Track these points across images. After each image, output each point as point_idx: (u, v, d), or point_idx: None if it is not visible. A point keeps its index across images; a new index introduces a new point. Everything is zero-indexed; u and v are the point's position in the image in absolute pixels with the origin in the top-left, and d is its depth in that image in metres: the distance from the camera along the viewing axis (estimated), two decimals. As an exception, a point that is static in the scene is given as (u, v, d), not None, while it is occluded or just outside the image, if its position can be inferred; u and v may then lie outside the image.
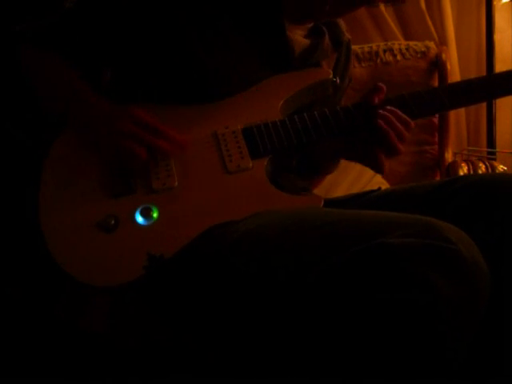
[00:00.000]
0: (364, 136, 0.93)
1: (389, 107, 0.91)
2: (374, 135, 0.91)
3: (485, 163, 1.81)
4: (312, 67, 1.03)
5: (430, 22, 2.13)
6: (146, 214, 0.85)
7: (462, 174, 1.72)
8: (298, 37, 1.03)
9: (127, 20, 0.97)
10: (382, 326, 0.59)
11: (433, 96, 0.94)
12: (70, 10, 1.03)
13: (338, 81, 1.05)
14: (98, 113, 0.91)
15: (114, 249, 0.83)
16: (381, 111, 0.91)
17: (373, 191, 1.04)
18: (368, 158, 0.94)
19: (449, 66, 1.86)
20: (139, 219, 0.85)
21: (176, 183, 0.88)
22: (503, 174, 1.19)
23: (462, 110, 2.21)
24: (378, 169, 0.94)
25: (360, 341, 0.60)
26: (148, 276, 0.80)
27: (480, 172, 1.73)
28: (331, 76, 1.01)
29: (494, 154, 2.04)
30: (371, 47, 1.92)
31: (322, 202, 0.86)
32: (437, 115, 1.86)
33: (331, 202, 1.02)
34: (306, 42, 1.04)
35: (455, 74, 2.10)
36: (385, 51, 1.90)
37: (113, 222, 0.84)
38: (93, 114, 0.92)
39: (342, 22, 1.12)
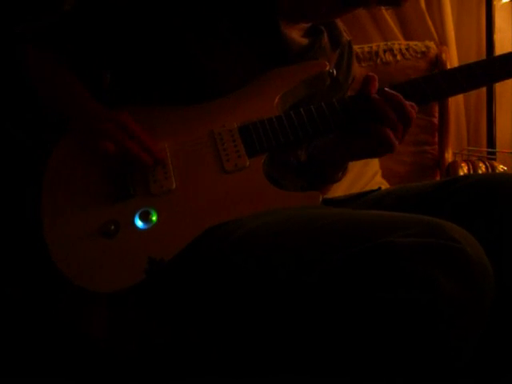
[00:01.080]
0: (362, 127, 0.92)
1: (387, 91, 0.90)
2: (372, 123, 0.90)
3: (485, 163, 1.81)
4: (308, 61, 1.01)
5: (430, 22, 2.13)
6: (145, 218, 0.85)
7: (461, 173, 1.72)
8: (296, 36, 1.03)
9: (126, 23, 0.98)
10: (385, 324, 0.59)
11: (431, 82, 0.92)
12: (69, 12, 1.03)
13: (335, 72, 1.03)
14: (91, 116, 0.92)
15: (114, 254, 0.83)
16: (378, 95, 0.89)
17: (373, 191, 1.04)
18: (373, 140, 0.90)
19: (449, 66, 1.86)
20: (138, 223, 0.84)
21: (174, 185, 0.88)
22: (503, 174, 1.19)
23: (462, 110, 2.21)
24: (388, 147, 0.89)
25: (362, 339, 0.60)
26: (149, 279, 0.80)
27: (480, 172, 1.73)
28: (328, 68, 0.99)
29: (494, 153, 2.04)
30: (371, 47, 1.92)
31: (320, 198, 0.85)
32: (436, 115, 1.86)
33: (331, 202, 1.02)
34: (304, 40, 1.04)
35: (455, 74, 2.10)
36: (385, 51, 1.90)
37: (113, 227, 0.84)
38: (87, 118, 0.93)
39: (340, 23, 1.11)
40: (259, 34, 0.99)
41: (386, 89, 0.90)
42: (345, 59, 1.14)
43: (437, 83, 0.92)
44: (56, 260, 0.83)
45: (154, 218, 0.85)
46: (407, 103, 0.89)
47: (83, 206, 0.88)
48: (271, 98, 0.95)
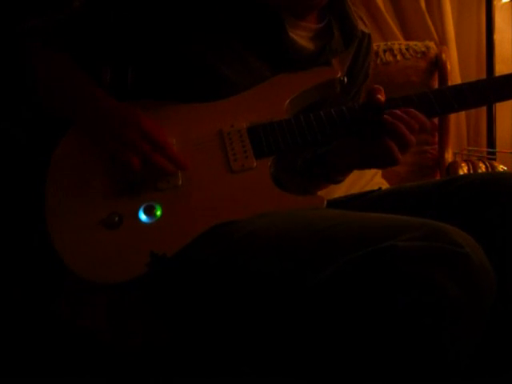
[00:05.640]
0: (370, 135, 0.92)
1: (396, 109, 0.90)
2: (381, 132, 0.90)
3: (485, 163, 1.81)
4: (319, 66, 1.02)
5: (430, 22, 2.12)
6: (149, 212, 0.85)
7: (461, 173, 1.72)
8: (304, 41, 1.02)
9: (134, 22, 0.98)
10: (388, 327, 0.59)
11: (440, 97, 0.92)
12: (80, 9, 1.02)
13: (346, 80, 1.03)
14: (106, 113, 0.92)
15: (116, 246, 0.83)
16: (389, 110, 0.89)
17: (373, 191, 1.04)
18: (379, 151, 0.91)
19: (449, 66, 1.86)
20: (143, 217, 0.85)
21: (180, 182, 0.88)
22: (504, 173, 1.19)
23: (462, 110, 2.21)
24: (392, 161, 0.90)
25: (364, 342, 0.60)
26: (150, 274, 0.80)
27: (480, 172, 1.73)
28: (339, 75, 1.00)
29: (494, 153, 2.04)
30: (371, 47, 1.92)
31: (325, 203, 0.86)
32: (437, 115, 1.86)
33: (331, 203, 1.02)
34: (312, 45, 1.03)
35: (455, 74, 2.10)
36: (385, 51, 1.90)
37: (116, 219, 0.84)
38: (101, 115, 0.92)
39: (357, 15, 1.09)
40: (266, 36, 0.98)
41: (397, 111, 0.90)
42: (361, 55, 1.12)
43: (446, 99, 0.92)
44: (58, 250, 0.84)
45: (159, 213, 0.85)
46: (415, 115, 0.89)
47: (88, 198, 0.88)
48: (281, 101, 0.95)
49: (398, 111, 0.89)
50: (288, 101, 0.96)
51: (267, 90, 0.97)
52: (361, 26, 1.10)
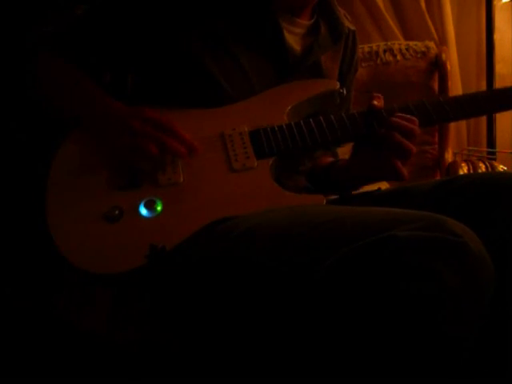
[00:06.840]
0: (369, 142, 0.94)
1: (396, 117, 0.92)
2: (380, 140, 0.92)
3: (485, 163, 1.81)
4: (319, 78, 1.05)
5: (430, 22, 2.13)
6: (149, 207, 0.86)
7: (462, 174, 1.72)
8: (297, 41, 1.05)
9: (137, 31, 0.99)
10: (388, 316, 0.59)
11: (437, 107, 0.95)
12: (83, 17, 1.03)
13: (345, 92, 1.06)
14: (113, 113, 0.93)
15: (116, 238, 0.85)
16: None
17: (372, 191, 1.04)
18: (384, 167, 0.93)
19: (449, 66, 1.86)
20: (143, 211, 0.86)
21: (181, 179, 0.89)
22: (504, 173, 1.19)
23: (462, 110, 2.21)
24: (396, 176, 0.93)
25: (366, 333, 0.60)
26: (150, 267, 0.80)
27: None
28: (338, 87, 1.03)
29: (494, 153, 2.05)
30: (371, 47, 1.92)
31: (324, 202, 0.87)
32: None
33: (331, 203, 1.02)
34: (302, 44, 1.05)
35: (455, 74, 2.10)
36: (385, 51, 1.90)
37: (117, 212, 0.86)
38: (107, 115, 0.94)
39: (342, 13, 1.12)
40: (265, 44, 1.00)
41: (397, 116, 0.92)
42: (348, 51, 1.15)
43: (444, 110, 0.95)
44: (58, 244, 0.85)
45: (159, 208, 0.86)
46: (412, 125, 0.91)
47: (90, 192, 0.90)
48: (282, 109, 0.98)
49: (392, 120, 0.91)
50: (288, 109, 0.98)
51: (269, 97, 0.99)
52: (347, 23, 1.12)
